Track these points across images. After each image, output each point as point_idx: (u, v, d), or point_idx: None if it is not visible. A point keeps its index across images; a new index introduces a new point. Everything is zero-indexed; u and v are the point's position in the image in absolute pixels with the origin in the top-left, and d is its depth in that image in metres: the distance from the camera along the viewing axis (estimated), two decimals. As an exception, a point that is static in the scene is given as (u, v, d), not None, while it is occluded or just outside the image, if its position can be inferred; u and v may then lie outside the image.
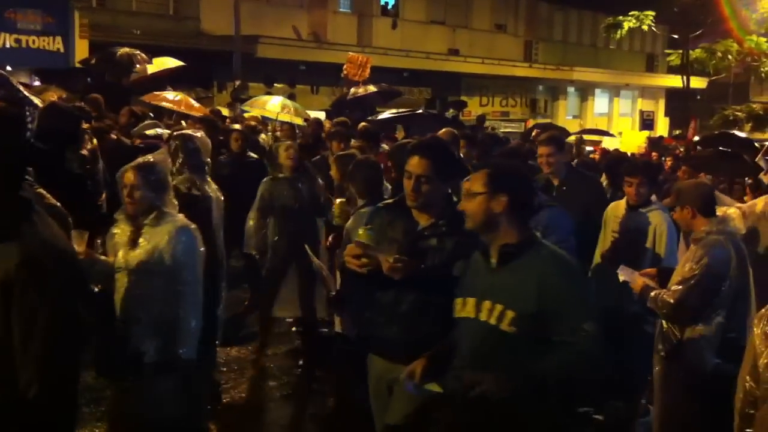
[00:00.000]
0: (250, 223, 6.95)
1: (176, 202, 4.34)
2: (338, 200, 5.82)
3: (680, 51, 34.40)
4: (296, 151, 7.05)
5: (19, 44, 15.62)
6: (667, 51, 37.10)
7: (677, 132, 29.57)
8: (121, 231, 4.22)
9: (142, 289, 4.10)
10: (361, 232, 3.66)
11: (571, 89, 35.61)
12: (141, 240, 4.13)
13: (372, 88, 15.22)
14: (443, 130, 7.61)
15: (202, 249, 4.32)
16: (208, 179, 5.69)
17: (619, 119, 37.34)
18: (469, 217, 3.16)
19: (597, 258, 5.69)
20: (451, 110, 23.29)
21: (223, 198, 5.78)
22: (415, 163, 3.59)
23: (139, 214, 4.16)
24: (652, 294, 4.50)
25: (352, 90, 15.40)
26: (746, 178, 9.49)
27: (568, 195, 5.93)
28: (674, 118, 35.72)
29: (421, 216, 3.68)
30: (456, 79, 28.55)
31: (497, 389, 2.94)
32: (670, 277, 4.54)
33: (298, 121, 13.55)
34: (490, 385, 2.94)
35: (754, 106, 37.31)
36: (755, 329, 2.98)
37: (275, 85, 21.89)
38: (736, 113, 34.49)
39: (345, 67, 15.87)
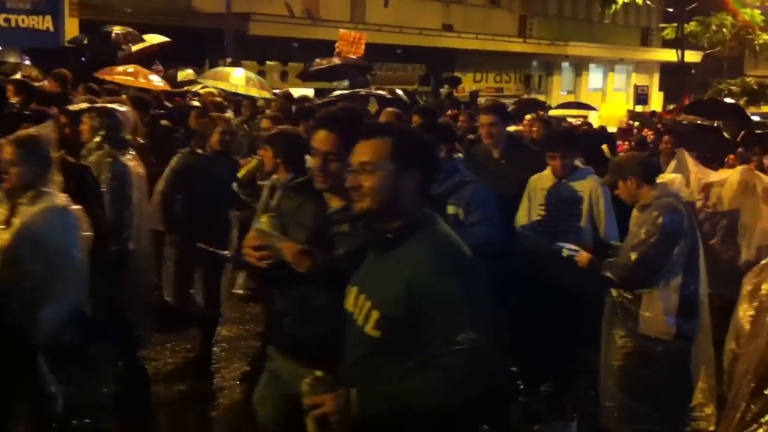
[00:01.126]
0: (156, 196, 6.22)
1: (60, 180, 3.97)
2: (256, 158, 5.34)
3: (675, 24, 34.30)
4: (231, 135, 6.46)
5: (9, 24, 15.48)
6: (662, 25, 37.05)
7: (671, 107, 29.47)
8: None
9: (12, 272, 3.78)
10: (263, 219, 3.36)
11: (565, 64, 35.48)
12: (15, 219, 3.81)
13: (336, 61, 15.10)
14: (386, 110, 7.28)
15: (83, 231, 3.97)
16: (130, 154, 5.51)
17: (613, 94, 37.28)
18: (367, 196, 2.54)
19: (521, 237, 5.29)
20: (446, 86, 23.24)
21: (144, 173, 5.61)
22: (320, 139, 3.11)
23: (16, 192, 3.84)
24: (606, 262, 4.46)
25: (316, 61, 15.30)
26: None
27: (506, 168, 5.58)
28: (668, 93, 35.61)
29: (332, 198, 3.18)
30: (450, 56, 28.38)
31: (346, 412, 2.38)
32: (606, 251, 4.61)
33: (265, 94, 13.06)
34: (339, 405, 2.38)
35: (749, 80, 37.25)
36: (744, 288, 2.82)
37: (267, 62, 21.77)
38: (731, 87, 34.43)
39: (337, 44, 15.78)
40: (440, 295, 2.42)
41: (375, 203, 2.54)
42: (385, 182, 2.52)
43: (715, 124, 13.66)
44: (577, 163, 5.37)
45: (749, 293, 2.78)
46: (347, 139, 2.92)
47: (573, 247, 4.62)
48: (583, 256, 4.56)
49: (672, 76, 34.49)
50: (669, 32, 35.88)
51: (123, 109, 5.70)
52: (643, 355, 4.41)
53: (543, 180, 5.27)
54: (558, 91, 34.12)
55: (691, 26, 34.43)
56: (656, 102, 36.05)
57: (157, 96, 10.60)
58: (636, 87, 30.69)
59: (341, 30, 16.89)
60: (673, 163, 8.15)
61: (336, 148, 3.06)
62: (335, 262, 3.05)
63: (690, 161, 8.25)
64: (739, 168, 8.15)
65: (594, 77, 37.20)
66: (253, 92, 12.64)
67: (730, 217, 7.88)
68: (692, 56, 35.89)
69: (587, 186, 5.14)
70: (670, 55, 35.26)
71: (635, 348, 4.42)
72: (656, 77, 38.30)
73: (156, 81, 11.63)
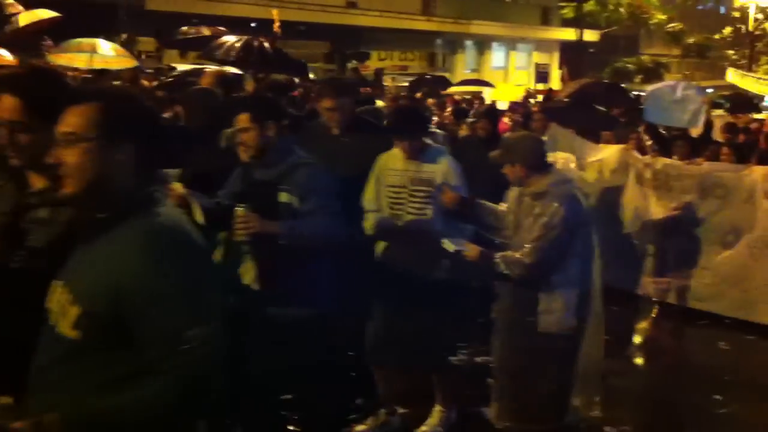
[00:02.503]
0: None
1: None
2: None
3: (574, 4, 35.06)
4: None
5: None
6: (561, 4, 37.78)
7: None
8: None
9: None
10: None
11: (469, 43, 35.78)
12: None
13: (205, 32, 14.71)
14: (207, 70, 6.46)
15: None
16: None
17: (515, 72, 37.81)
18: (71, 174, 2.11)
19: (369, 221, 4.79)
20: (354, 61, 23.03)
21: None
22: (3, 106, 2.57)
23: None
24: (503, 257, 4.17)
25: (183, 29, 14.90)
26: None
27: (348, 148, 5.06)
28: (568, 72, 36.42)
29: (36, 178, 2.63)
30: (355, 33, 28.18)
31: None
32: (467, 203, 4.44)
33: (129, 63, 12.42)
34: None
35: (644, 58, 38.56)
36: None
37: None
38: (627, 65, 35.52)
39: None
40: (154, 288, 2.02)
41: (80, 182, 2.10)
42: (91, 157, 2.09)
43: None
44: (429, 141, 4.98)
45: None
46: (37, 105, 2.52)
47: (458, 240, 4.33)
48: (472, 251, 4.26)
49: (571, 55, 35.24)
50: (568, 11, 36.69)
51: None
52: (540, 351, 4.18)
53: (392, 159, 4.82)
54: (462, 70, 34.39)
55: (589, 5, 35.28)
56: (556, 80, 36.83)
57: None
58: (537, 65, 31.27)
59: (274, 10, 16.24)
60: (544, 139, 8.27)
61: (22, 116, 2.55)
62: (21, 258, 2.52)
63: (569, 136, 8.33)
64: (619, 147, 8.29)
65: (497, 56, 37.66)
66: (116, 64, 11.93)
67: (609, 195, 8.05)
68: (591, 35, 36.79)
69: (439, 166, 4.74)
70: (569, 34, 36.04)
71: (532, 345, 4.19)
72: (556, 56, 39.04)
73: (7, 56, 10.42)
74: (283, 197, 3.89)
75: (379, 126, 5.82)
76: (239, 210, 3.72)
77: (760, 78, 19.28)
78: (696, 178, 7.48)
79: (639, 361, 6.49)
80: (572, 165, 4.61)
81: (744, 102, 17.38)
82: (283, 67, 12.58)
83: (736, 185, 7.27)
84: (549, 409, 4.26)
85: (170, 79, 10.88)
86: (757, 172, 7.25)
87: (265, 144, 3.92)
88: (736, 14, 38.84)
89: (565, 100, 13.02)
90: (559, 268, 4.16)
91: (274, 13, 15.13)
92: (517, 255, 4.14)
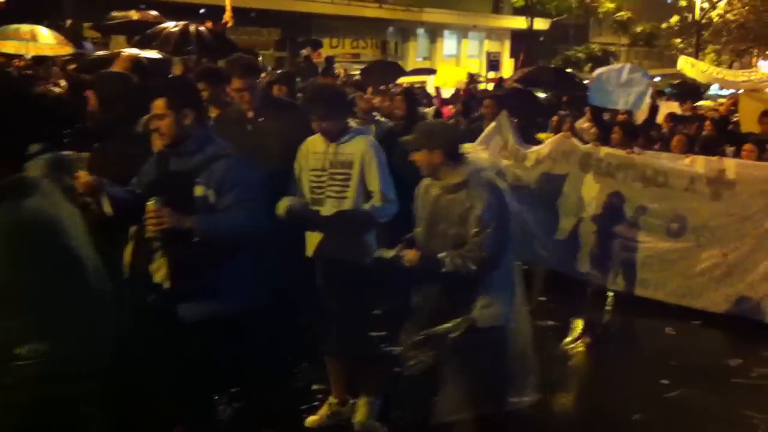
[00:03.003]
0: None
1: None
2: None
3: (524, -8, 35.25)
4: None
5: None
6: (512, -8, 37.96)
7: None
8: None
9: None
10: None
11: (420, 31, 35.71)
12: None
13: (133, 16, 14.57)
14: (122, 54, 6.14)
15: None
16: None
17: (467, 60, 37.87)
18: None
19: (283, 207, 4.57)
20: (308, 48, 22.78)
21: None
22: None
23: None
24: (447, 255, 3.97)
25: (112, 14, 14.72)
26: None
27: (264, 130, 4.91)
28: (524, 59, 36.65)
29: None
30: (306, 20, 27.93)
31: None
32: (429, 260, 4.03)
33: (67, 50, 12.01)
34: None
35: (593, 46, 38.94)
36: None
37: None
38: (577, 54, 35.83)
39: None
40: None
41: None
42: None
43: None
44: (353, 123, 4.88)
45: None
46: None
47: (393, 253, 4.10)
48: (412, 255, 4.08)
49: (522, 44, 35.42)
50: (519, 0, 36.83)
51: None
52: (477, 343, 4.06)
53: (315, 142, 4.71)
54: (414, 58, 34.34)
55: (539, -6, 35.48)
56: (508, 69, 37.01)
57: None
58: (488, 53, 31.30)
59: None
60: (492, 125, 8.25)
61: None
62: None
63: (508, 126, 8.36)
64: (559, 134, 8.38)
65: (448, 44, 37.67)
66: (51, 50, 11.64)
67: (550, 182, 8.05)
68: (541, 24, 37.01)
69: (358, 148, 4.60)
70: (520, 23, 36.22)
71: (470, 337, 4.06)
72: (507, 44, 39.21)
73: None
74: (199, 190, 3.66)
75: (296, 106, 5.59)
76: (150, 204, 3.49)
77: (709, 67, 19.55)
78: (638, 166, 7.52)
79: (584, 346, 6.55)
80: (482, 155, 4.36)
81: (689, 90, 17.66)
82: (226, 54, 12.37)
83: (676, 173, 7.35)
84: (490, 399, 4.19)
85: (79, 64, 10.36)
86: (698, 160, 7.36)
87: (182, 132, 3.72)
88: (683, 3, 39.40)
89: (515, 85, 13.12)
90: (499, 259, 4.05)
91: (227, 1, 14.92)
92: (466, 251, 3.95)
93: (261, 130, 4.90)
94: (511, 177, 7.91)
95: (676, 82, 21.39)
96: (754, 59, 47.48)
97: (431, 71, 25.83)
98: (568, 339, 6.58)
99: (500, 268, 4.09)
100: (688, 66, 18.82)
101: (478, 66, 36.41)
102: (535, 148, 8.29)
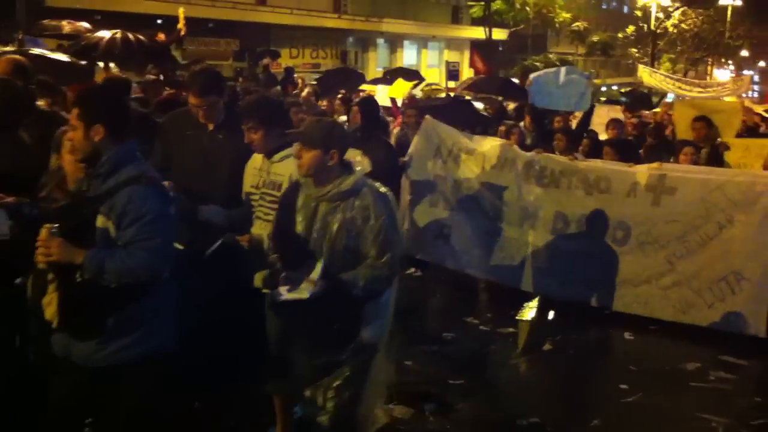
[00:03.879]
0: None
1: None
2: None
3: (482, 2, 35.53)
4: None
5: None
6: (470, 2, 38.25)
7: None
8: None
9: None
10: None
11: (380, 41, 35.87)
12: None
13: (66, 28, 14.42)
14: (4, 58, 5.73)
15: None
16: None
17: (427, 70, 38.08)
18: None
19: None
20: (268, 58, 22.69)
21: None
22: None
23: None
24: (357, 276, 3.60)
25: (44, 22, 14.54)
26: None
27: (224, 143, 4.56)
28: (484, 67, 36.93)
29: None
30: (265, 30, 27.88)
31: None
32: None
33: None
34: None
35: (552, 56, 39.38)
36: None
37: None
38: (535, 63, 36.16)
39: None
40: None
41: None
42: None
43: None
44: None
45: None
46: None
47: (294, 295, 3.58)
48: (319, 287, 3.56)
49: (481, 53, 35.70)
50: (477, 10, 37.16)
51: None
52: (359, 368, 3.82)
53: (257, 157, 4.29)
54: (374, 68, 34.41)
55: (496, 4, 35.81)
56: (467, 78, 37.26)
57: None
58: (448, 63, 31.48)
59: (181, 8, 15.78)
60: (417, 135, 8.04)
61: None
62: None
63: (444, 127, 7.99)
64: (500, 141, 8.04)
65: (408, 54, 37.88)
66: None
67: (490, 190, 7.72)
68: (499, 34, 37.38)
69: (288, 170, 4.04)
70: (479, 33, 36.52)
71: (354, 365, 3.81)
72: (467, 54, 39.51)
73: None
74: (100, 221, 3.19)
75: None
76: (43, 230, 3.10)
77: (666, 76, 19.94)
78: (581, 172, 7.30)
79: (542, 353, 6.54)
80: (358, 158, 3.92)
81: (641, 99, 17.94)
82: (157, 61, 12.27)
83: (619, 179, 7.13)
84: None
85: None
86: (639, 166, 7.19)
87: (91, 149, 3.27)
88: (639, 13, 40.10)
89: (464, 92, 13.03)
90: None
91: (180, 12, 14.79)
92: (376, 271, 3.61)
93: (215, 145, 4.58)
94: (450, 185, 7.89)
95: (628, 90, 21.76)
96: (709, 68, 48.48)
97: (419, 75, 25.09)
98: (521, 347, 6.55)
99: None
100: (646, 75, 19.28)
101: (438, 76, 36.67)
102: (477, 150, 7.94)
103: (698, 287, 6.71)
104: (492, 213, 7.68)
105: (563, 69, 9.44)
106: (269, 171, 4.15)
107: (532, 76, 9.57)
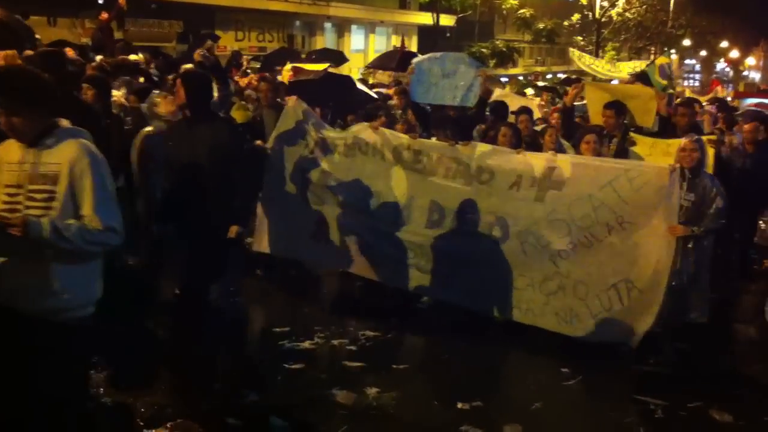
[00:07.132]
0: None
1: None
2: None
3: (429, -12, 35.47)
4: None
5: None
6: (417, -12, 38.18)
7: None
8: None
9: None
10: None
11: (327, 25, 35.60)
12: None
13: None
14: None
15: None
16: None
17: (375, 56, 37.95)
18: None
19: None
20: (209, 41, 22.23)
21: None
22: None
23: None
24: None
25: None
26: None
27: (192, 139, 4.93)
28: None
29: None
30: (209, 12, 27.46)
31: None
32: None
33: None
34: None
35: (498, 43, 39.54)
36: None
37: (32, 16, 19.66)
38: (482, 50, 36.29)
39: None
40: None
41: None
42: None
43: None
44: (66, 123, 3.65)
45: None
46: None
47: None
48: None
49: (429, 40, 35.67)
50: (424, -5, 37.07)
51: None
52: None
53: (9, 150, 3.58)
54: (321, 52, 34.15)
55: (444, -11, 35.79)
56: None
57: None
58: (395, 49, 31.42)
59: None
60: (283, 116, 7.37)
61: None
62: None
63: (306, 109, 7.36)
64: (367, 124, 7.34)
65: (356, 39, 37.70)
66: None
67: (357, 176, 7.10)
68: (447, 20, 37.40)
69: (66, 156, 3.49)
70: (426, 18, 36.48)
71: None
72: (415, 40, 39.47)
73: None
74: None
75: (220, 117, 5.24)
76: None
77: (593, 61, 20.60)
78: (460, 161, 6.63)
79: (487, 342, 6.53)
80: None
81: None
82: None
83: (504, 170, 6.44)
84: None
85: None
86: (530, 156, 6.50)
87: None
88: (584, 1, 40.45)
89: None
90: None
91: None
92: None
93: (184, 142, 4.83)
94: (317, 174, 7.29)
95: (563, 77, 22.18)
96: (651, 57, 49.22)
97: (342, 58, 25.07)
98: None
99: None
100: (575, 58, 20.35)
101: (386, 61, 36.53)
102: (340, 135, 7.34)
103: (585, 294, 6.18)
104: (364, 206, 7.07)
105: (451, 55, 8.45)
106: (37, 162, 3.50)
107: (414, 61, 8.53)
